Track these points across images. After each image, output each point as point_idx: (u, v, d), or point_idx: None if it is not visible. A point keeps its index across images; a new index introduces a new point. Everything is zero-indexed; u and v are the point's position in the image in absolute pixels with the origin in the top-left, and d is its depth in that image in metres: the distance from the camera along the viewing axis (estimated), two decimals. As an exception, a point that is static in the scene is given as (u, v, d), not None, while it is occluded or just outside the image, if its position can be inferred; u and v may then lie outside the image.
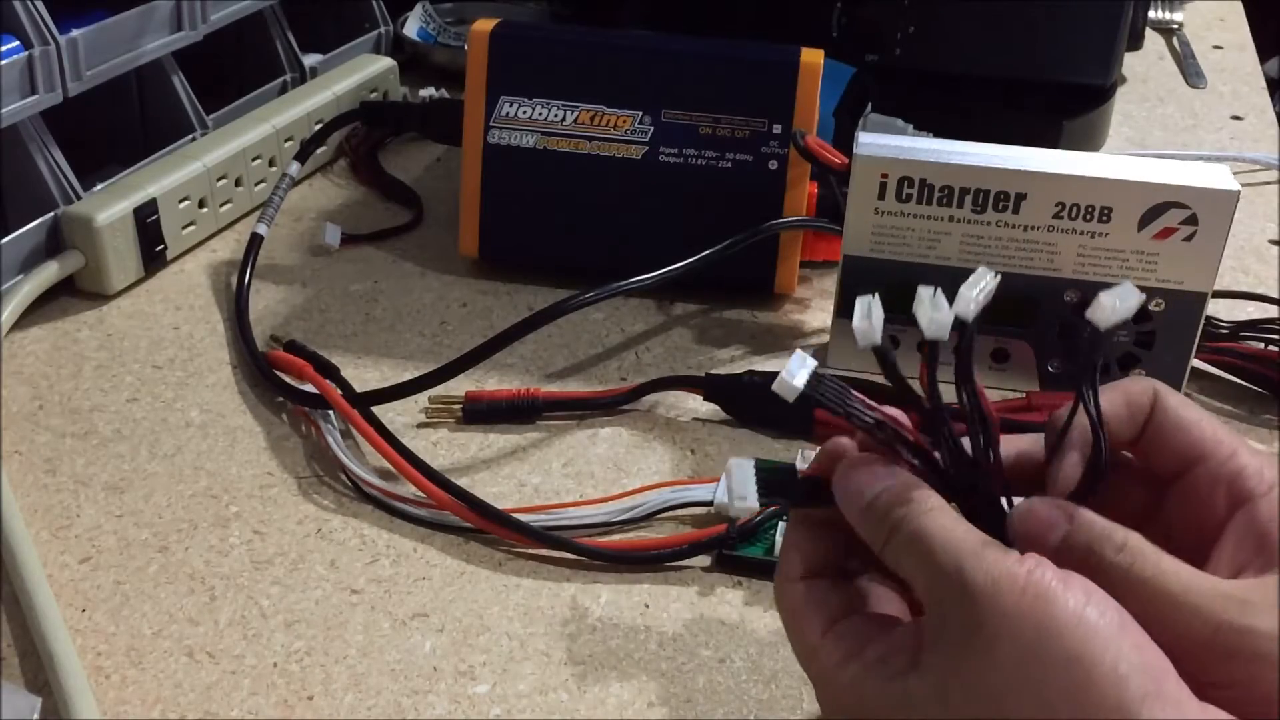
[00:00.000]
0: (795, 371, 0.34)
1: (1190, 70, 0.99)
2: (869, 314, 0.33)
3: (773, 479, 0.37)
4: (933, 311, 0.33)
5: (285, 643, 0.45)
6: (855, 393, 0.34)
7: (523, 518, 0.49)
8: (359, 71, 0.82)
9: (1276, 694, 0.30)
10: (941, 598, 0.32)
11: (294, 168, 0.71)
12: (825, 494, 0.36)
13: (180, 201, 0.68)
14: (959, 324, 0.33)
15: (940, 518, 0.33)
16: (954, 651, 0.31)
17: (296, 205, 0.75)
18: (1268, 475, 0.34)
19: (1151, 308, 0.57)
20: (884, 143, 0.57)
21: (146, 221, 0.65)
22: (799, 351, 0.34)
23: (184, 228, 0.68)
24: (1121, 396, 0.36)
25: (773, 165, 0.64)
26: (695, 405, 0.58)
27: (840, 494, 0.35)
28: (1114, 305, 0.33)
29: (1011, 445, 0.37)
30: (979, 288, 0.33)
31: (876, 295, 0.34)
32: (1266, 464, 0.34)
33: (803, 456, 0.53)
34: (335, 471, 0.53)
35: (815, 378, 0.34)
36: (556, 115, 0.65)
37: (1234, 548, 0.33)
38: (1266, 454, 0.35)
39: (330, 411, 0.55)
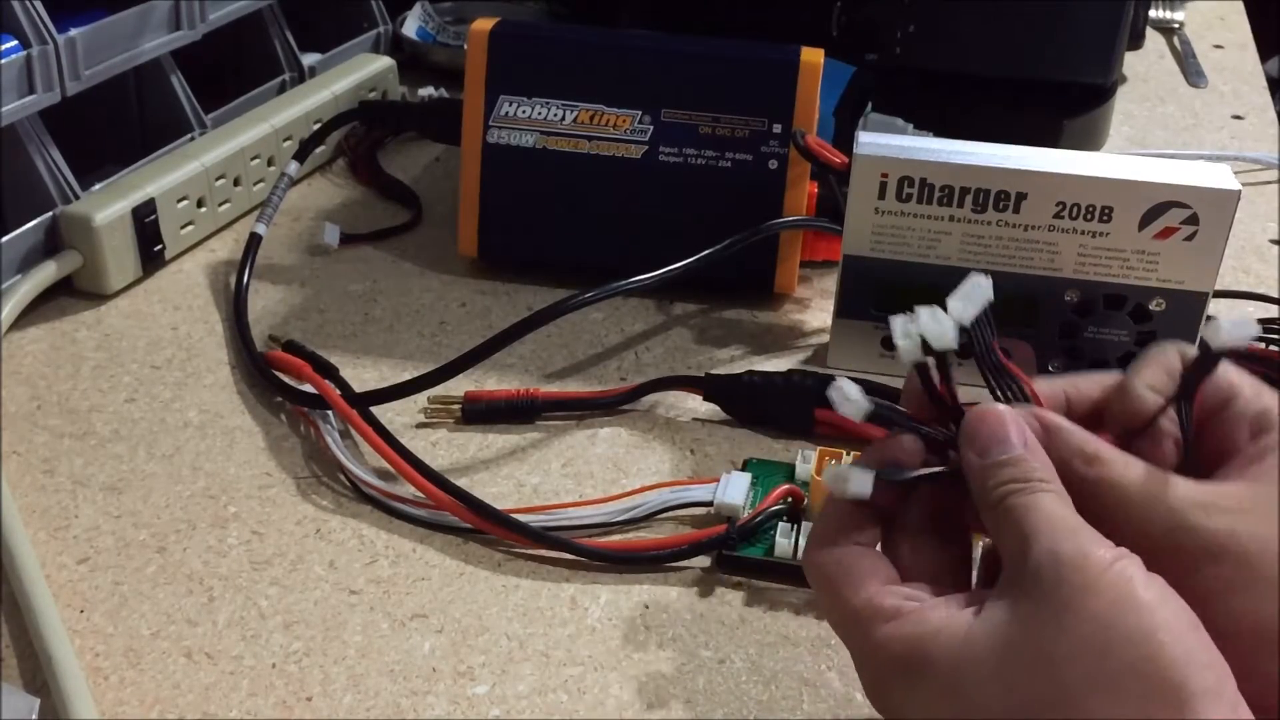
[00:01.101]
0: (850, 395, 0.35)
1: (1191, 69, 0.99)
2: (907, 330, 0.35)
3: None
4: (934, 325, 0.35)
5: (284, 643, 0.45)
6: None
7: (522, 518, 0.49)
8: (358, 71, 0.81)
9: (1213, 585, 0.32)
10: (1027, 563, 0.32)
11: (293, 167, 0.71)
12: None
13: (179, 201, 0.68)
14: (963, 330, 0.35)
15: (1052, 501, 0.33)
16: (1026, 610, 0.32)
17: (295, 205, 0.74)
18: None
19: (1152, 307, 0.57)
20: (884, 142, 0.57)
21: (145, 221, 0.65)
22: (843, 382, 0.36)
23: (182, 227, 0.68)
24: (1161, 371, 0.37)
25: (773, 165, 0.64)
26: (695, 405, 0.57)
27: (969, 438, 0.35)
28: (1231, 330, 0.34)
29: (1057, 390, 0.38)
30: (970, 295, 0.35)
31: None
32: None
33: (803, 457, 0.53)
34: (334, 472, 0.53)
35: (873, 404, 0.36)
36: (556, 115, 0.65)
37: (1232, 468, 0.35)
38: None
39: (329, 411, 0.55)
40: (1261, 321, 0.61)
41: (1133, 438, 0.36)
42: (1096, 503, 0.34)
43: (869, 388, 0.54)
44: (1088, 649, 0.30)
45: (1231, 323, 0.34)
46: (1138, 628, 0.30)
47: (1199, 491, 0.34)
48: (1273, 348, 0.60)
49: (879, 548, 0.37)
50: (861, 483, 0.35)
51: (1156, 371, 0.37)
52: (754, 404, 0.57)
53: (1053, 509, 0.33)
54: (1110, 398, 0.38)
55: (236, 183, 0.72)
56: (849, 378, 0.36)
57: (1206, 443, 0.37)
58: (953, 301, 0.35)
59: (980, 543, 0.38)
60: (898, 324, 0.35)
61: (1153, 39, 1.06)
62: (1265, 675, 0.32)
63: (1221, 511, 0.33)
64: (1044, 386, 0.38)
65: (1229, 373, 0.37)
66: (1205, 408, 0.37)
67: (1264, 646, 0.32)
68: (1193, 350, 0.37)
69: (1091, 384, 0.39)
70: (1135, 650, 0.30)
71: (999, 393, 0.37)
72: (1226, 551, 0.32)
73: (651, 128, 0.64)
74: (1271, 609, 0.32)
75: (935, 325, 0.35)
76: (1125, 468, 0.34)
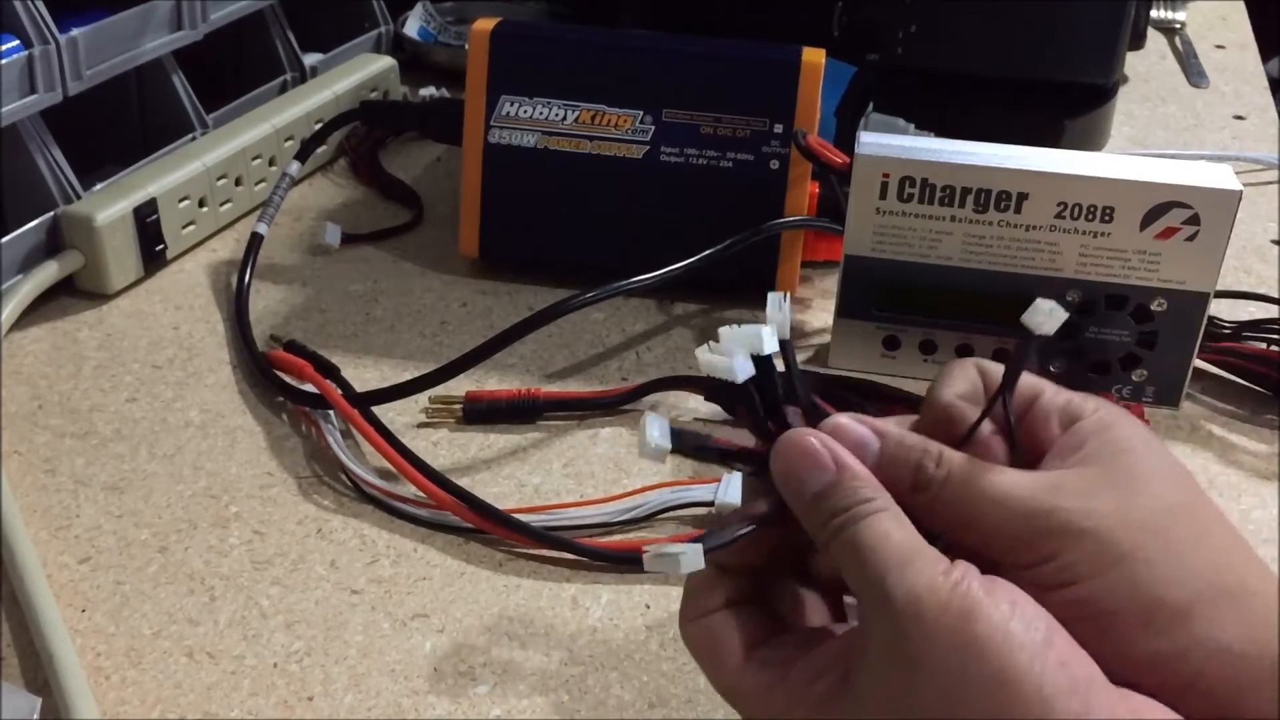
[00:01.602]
0: (653, 433, 0.35)
1: (1192, 70, 0.99)
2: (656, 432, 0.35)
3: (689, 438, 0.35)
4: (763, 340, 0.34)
5: (285, 643, 0.45)
6: (716, 436, 0.36)
7: (523, 518, 0.49)
8: (359, 71, 0.81)
9: (1082, 567, 0.31)
10: (869, 612, 0.31)
11: (294, 167, 0.71)
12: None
13: (180, 201, 0.68)
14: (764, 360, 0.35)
15: (878, 524, 0.32)
16: (880, 673, 0.31)
17: (296, 205, 0.74)
18: (1091, 404, 0.36)
19: (1154, 308, 0.57)
20: (885, 142, 0.57)
21: (146, 221, 0.65)
22: (648, 415, 0.35)
23: (184, 227, 0.68)
24: (964, 382, 0.37)
25: (774, 165, 0.64)
26: (696, 405, 0.57)
27: (780, 478, 0.34)
28: (1049, 313, 0.34)
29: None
30: (779, 309, 0.35)
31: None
32: (1089, 398, 0.36)
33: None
34: (335, 471, 0.53)
35: (674, 433, 0.35)
36: (557, 115, 0.65)
37: (1054, 458, 0.35)
38: (1089, 394, 0.37)
39: (330, 411, 0.55)
40: (1263, 321, 0.61)
41: (955, 445, 0.35)
42: (948, 504, 0.33)
43: (870, 388, 0.55)
44: (943, 710, 0.29)
45: (1047, 306, 0.34)
46: (985, 673, 0.29)
47: (1044, 476, 0.33)
48: (1274, 348, 0.60)
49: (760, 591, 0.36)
50: (692, 559, 0.33)
51: (960, 383, 0.37)
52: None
53: (882, 537, 0.32)
54: (920, 416, 0.37)
55: (238, 182, 0.72)
56: (661, 419, 0.35)
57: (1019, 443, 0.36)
58: (771, 311, 0.35)
59: None
60: (701, 358, 0.35)
61: (1154, 39, 1.06)
62: (1147, 651, 0.31)
63: (1070, 491, 0.32)
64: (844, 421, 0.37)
65: (1027, 376, 0.36)
66: (1015, 414, 0.36)
67: (1140, 622, 0.31)
68: (988, 362, 0.37)
69: (890, 423, 0.38)
70: (989, 699, 0.29)
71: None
72: (1085, 531, 0.31)
73: (653, 128, 0.64)
74: (1139, 581, 0.31)
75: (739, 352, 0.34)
76: (971, 463, 0.33)
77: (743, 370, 0.34)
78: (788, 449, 0.34)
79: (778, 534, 0.35)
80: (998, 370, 0.37)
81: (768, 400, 0.35)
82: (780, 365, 0.35)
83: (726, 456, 0.36)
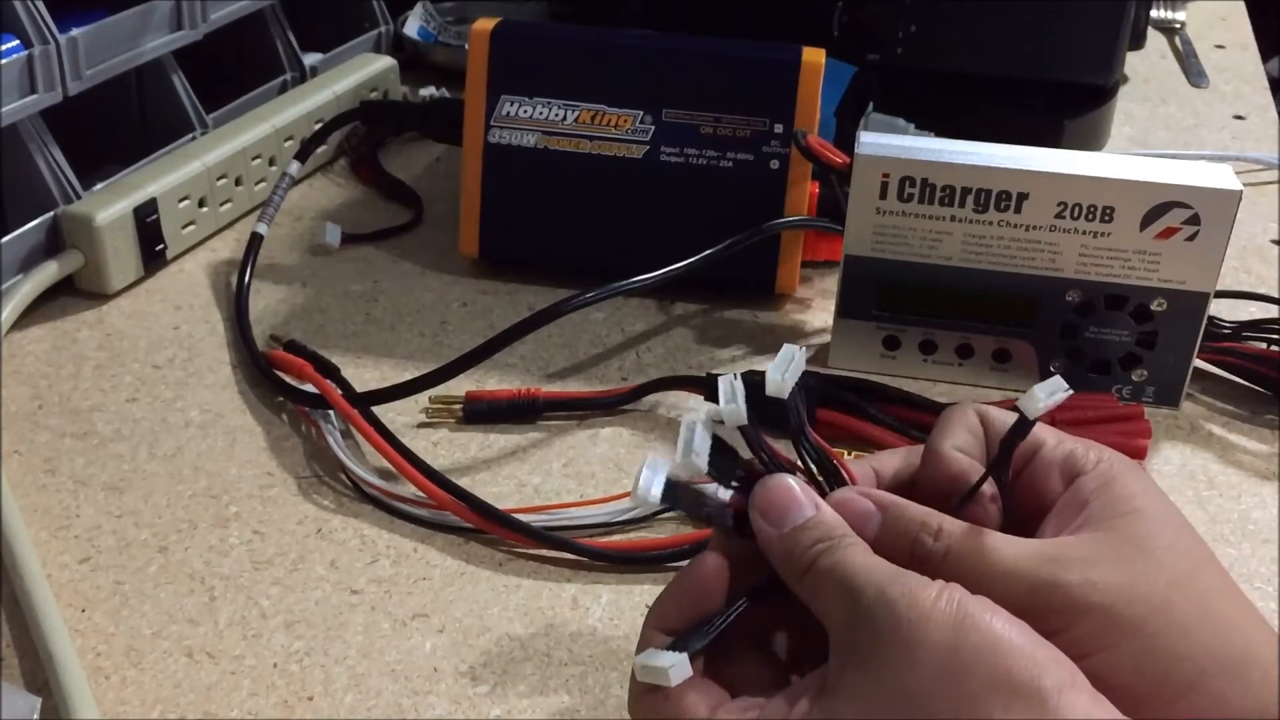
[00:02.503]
0: (649, 484, 0.35)
1: (1192, 69, 0.99)
2: (734, 395, 0.36)
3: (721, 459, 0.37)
4: (731, 401, 0.36)
5: (285, 643, 0.45)
6: (706, 493, 0.36)
7: (523, 518, 0.49)
8: (359, 70, 0.81)
9: (1089, 642, 0.32)
10: (858, 617, 0.32)
11: (294, 167, 0.71)
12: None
13: (180, 201, 0.68)
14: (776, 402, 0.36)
15: (860, 552, 0.34)
16: (873, 664, 0.32)
17: (296, 205, 0.74)
18: (1093, 455, 0.37)
19: (1154, 308, 0.57)
20: (885, 142, 0.57)
21: (146, 221, 0.65)
22: (650, 458, 0.36)
23: (184, 227, 0.68)
24: (965, 432, 0.38)
25: (774, 165, 0.64)
26: (696, 405, 0.57)
27: (761, 510, 0.35)
28: (1045, 397, 0.35)
29: (864, 467, 0.39)
30: (788, 367, 0.36)
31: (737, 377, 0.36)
32: (1092, 448, 0.37)
33: (804, 457, 0.53)
34: (335, 471, 0.53)
35: (670, 486, 0.36)
36: (557, 114, 0.65)
37: (1058, 517, 0.36)
38: (1090, 441, 0.38)
39: (330, 411, 0.55)
40: (1263, 321, 0.61)
41: (950, 502, 0.36)
42: (947, 573, 0.33)
43: (870, 388, 0.55)
44: (943, 677, 0.30)
45: (1044, 389, 0.35)
46: (982, 642, 0.30)
47: (1046, 546, 0.34)
48: (1274, 348, 0.60)
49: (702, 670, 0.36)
50: (681, 670, 0.34)
51: (960, 434, 0.38)
52: (755, 404, 0.56)
53: (866, 559, 0.33)
54: (921, 465, 0.38)
55: (238, 182, 0.72)
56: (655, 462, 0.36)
57: (1019, 495, 0.37)
58: (771, 373, 0.36)
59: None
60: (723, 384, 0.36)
61: (1154, 39, 1.06)
62: None
63: (1074, 563, 0.33)
64: (852, 466, 0.38)
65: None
66: (1014, 465, 0.37)
67: (1146, 696, 0.32)
68: (989, 408, 0.38)
69: (892, 457, 0.39)
70: (986, 664, 0.30)
71: (812, 469, 0.37)
72: (1090, 604, 0.32)
73: (653, 128, 0.64)
74: (1145, 656, 0.32)
75: (729, 402, 0.35)
76: (972, 534, 0.34)
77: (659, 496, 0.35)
78: (772, 486, 0.36)
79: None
80: (999, 418, 0.38)
81: (761, 455, 0.36)
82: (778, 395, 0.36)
83: (712, 519, 0.37)
